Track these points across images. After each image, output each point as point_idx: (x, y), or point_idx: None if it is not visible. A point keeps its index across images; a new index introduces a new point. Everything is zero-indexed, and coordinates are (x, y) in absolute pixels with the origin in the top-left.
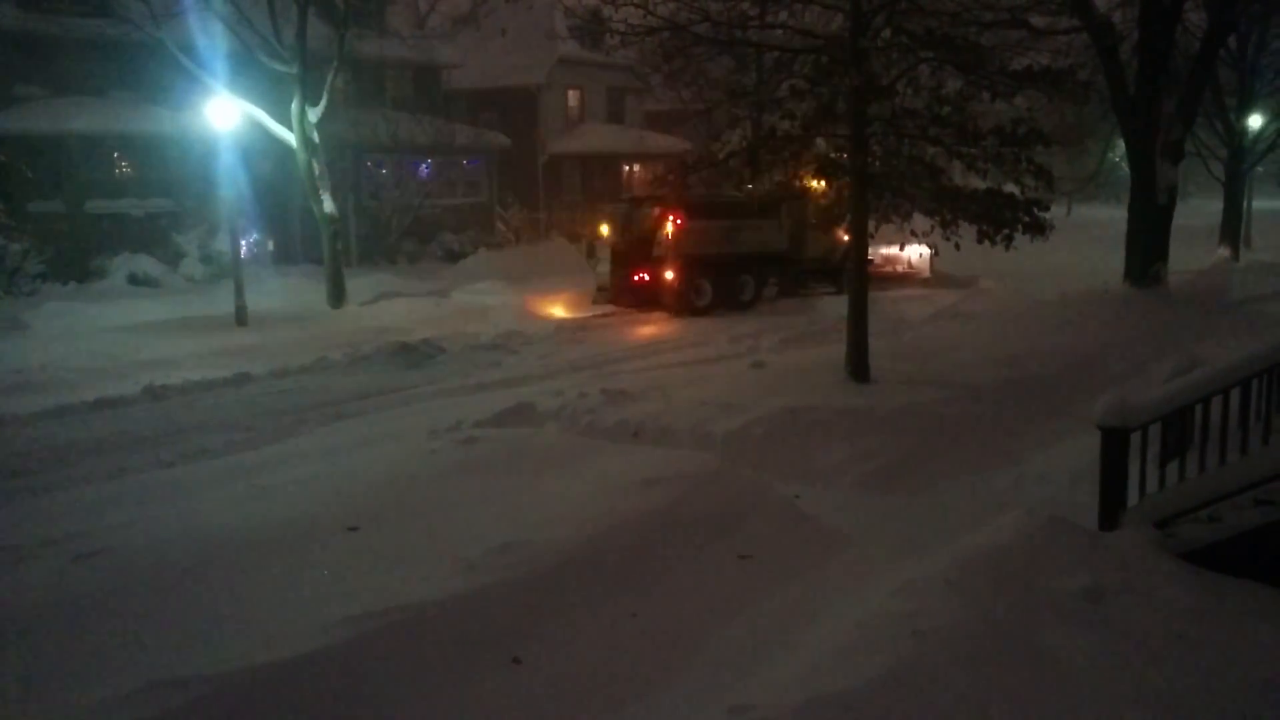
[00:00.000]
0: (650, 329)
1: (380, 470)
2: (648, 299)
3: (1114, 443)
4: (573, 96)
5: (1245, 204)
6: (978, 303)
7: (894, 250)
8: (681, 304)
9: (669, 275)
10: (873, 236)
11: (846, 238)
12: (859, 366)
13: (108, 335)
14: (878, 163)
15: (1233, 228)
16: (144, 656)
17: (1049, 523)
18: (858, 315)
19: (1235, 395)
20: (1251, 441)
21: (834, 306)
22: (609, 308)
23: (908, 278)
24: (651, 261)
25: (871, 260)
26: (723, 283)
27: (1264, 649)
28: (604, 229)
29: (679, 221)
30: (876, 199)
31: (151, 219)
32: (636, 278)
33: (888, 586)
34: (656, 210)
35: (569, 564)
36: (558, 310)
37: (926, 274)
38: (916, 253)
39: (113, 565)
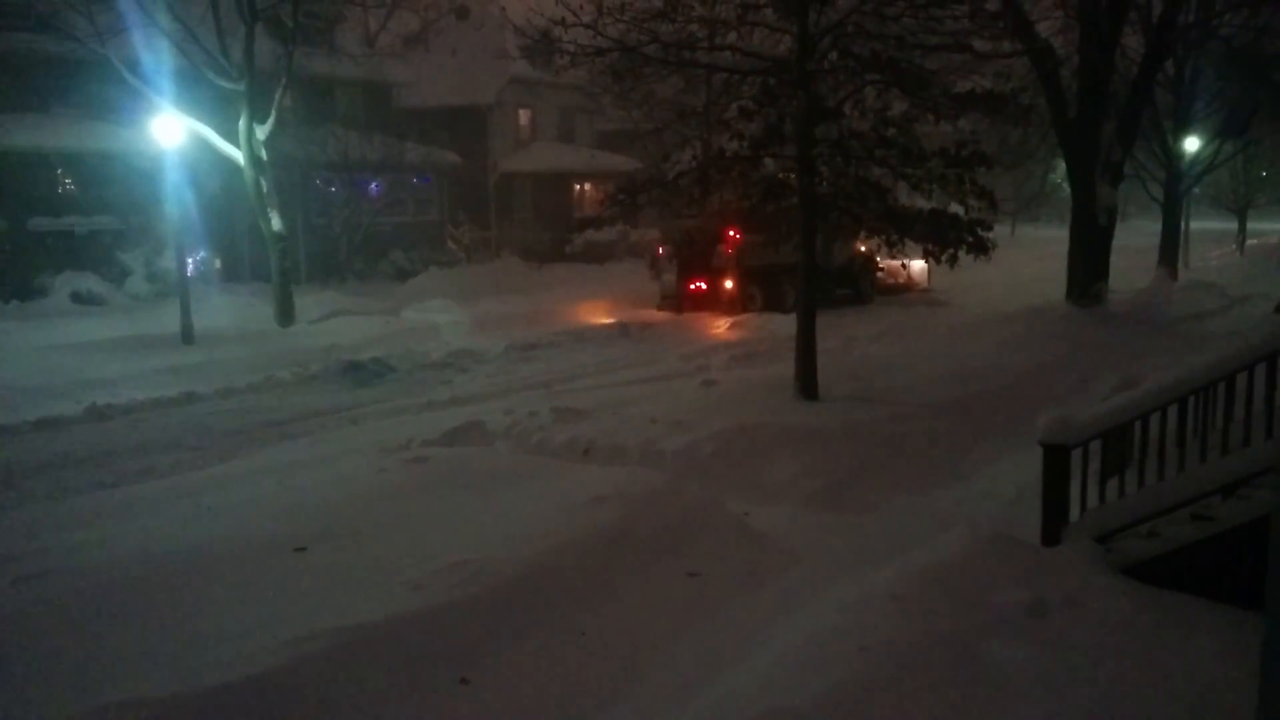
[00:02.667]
0: (601, 348)
1: (329, 490)
2: (706, 304)
3: (1056, 459)
4: (524, 115)
5: (1183, 224)
6: (922, 321)
7: (894, 263)
8: (739, 308)
9: (728, 284)
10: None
11: (863, 248)
12: (807, 384)
13: (51, 354)
14: (825, 183)
15: (1171, 247)
16: (90, 679)
17: (993, 538)
18: (806, 334)
19: (1173, 412)
20: (1189, 458)
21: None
22: (670, 313)
23: (907, 288)
24: (710, 271)
25: (881, 269)
26: (770, 290)
27: (1200, 662)
28: (666, 247)
29: (736, 236)
30: (823, 218)
31: (96, 237)
32: (694, 286)
33: (835, 602)
34: (714, 226)
35: (518, 583)
36: (610, 316)
37: (925, 285)
38: (915, 265)
39: (56, 587)
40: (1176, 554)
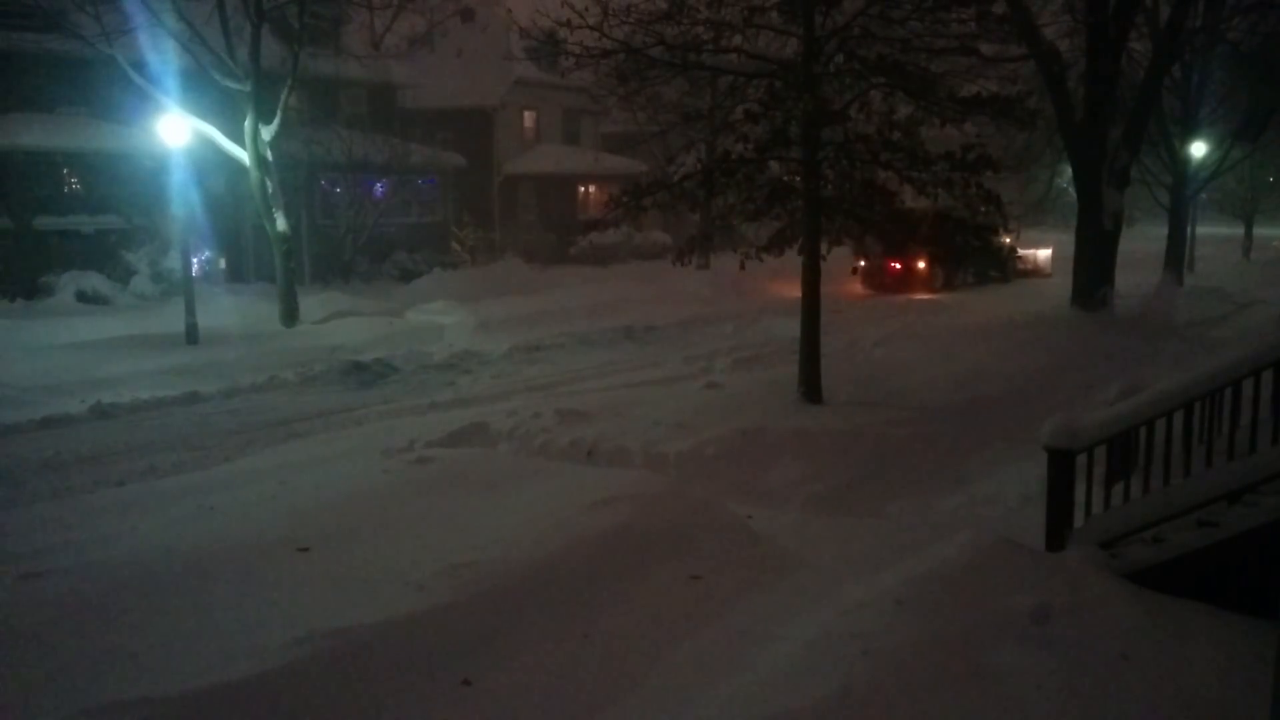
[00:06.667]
0: (604, 350)
1: (332, 490)
2: (901, 282)
3: (1060, 464)
4: (529, 117)
5: (1189, 230)
6: (928, 326)
7: (1027, 252)
8: (928, 285)
9: (920, 265)
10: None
11: (1007, 240)
12: (811, 388)
13: (56, 353)
14: (830, 186)
15: (1177, 253)
16: (92, 678)
17: (997, 543)
18: (810, 337)
19: (1179, 418)
20: (1194, 463)
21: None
22: (873, 290)
23: (1036, 272)
24: (905, 255)
25: (1020, 256)
26: (949, 270)
27: (1204, 669)
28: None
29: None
30: (829, 221)
31: (101, 236)
32: (893, 266)
33: (838, 606)
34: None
35: (520, 584)
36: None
37: (1048, 270)
38: (1041, 254)
39: (60, 586)
40: (1181, 560)
